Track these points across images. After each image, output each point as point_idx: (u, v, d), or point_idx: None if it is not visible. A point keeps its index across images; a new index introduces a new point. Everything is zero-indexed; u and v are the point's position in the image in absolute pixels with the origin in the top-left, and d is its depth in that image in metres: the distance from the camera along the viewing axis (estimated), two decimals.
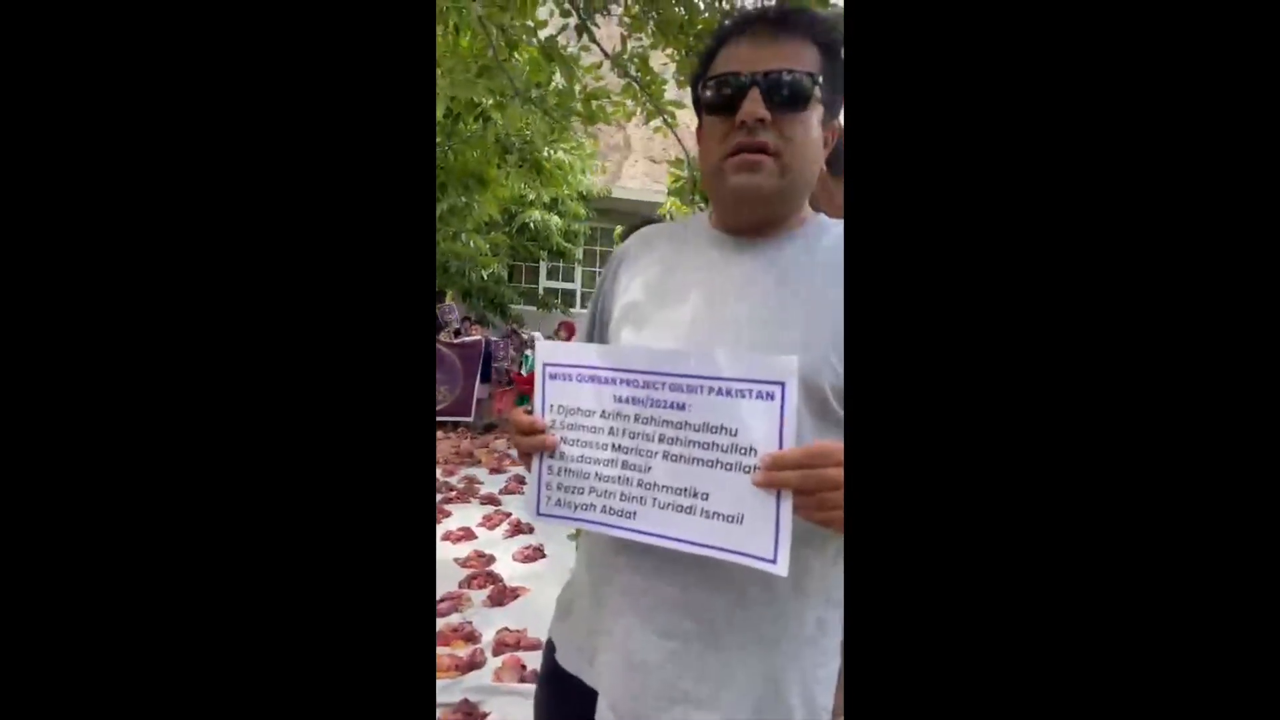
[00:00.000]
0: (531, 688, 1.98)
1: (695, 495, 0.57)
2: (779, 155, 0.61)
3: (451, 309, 6.60)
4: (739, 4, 2.16)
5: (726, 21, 0.68)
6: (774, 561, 0.54)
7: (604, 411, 0.61)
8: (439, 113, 2.69)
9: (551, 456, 0.63)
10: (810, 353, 0.58)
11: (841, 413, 0.61)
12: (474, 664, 1.88)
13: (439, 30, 2.05)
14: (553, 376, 0.64)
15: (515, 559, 2.79)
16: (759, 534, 0.54)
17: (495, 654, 1.96)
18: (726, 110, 0.61)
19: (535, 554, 2.86)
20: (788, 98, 0.60)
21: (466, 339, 6.05)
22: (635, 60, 2.19)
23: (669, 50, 2.29)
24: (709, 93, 0.63)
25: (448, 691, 1.73)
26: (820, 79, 0.61)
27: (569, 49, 1.92)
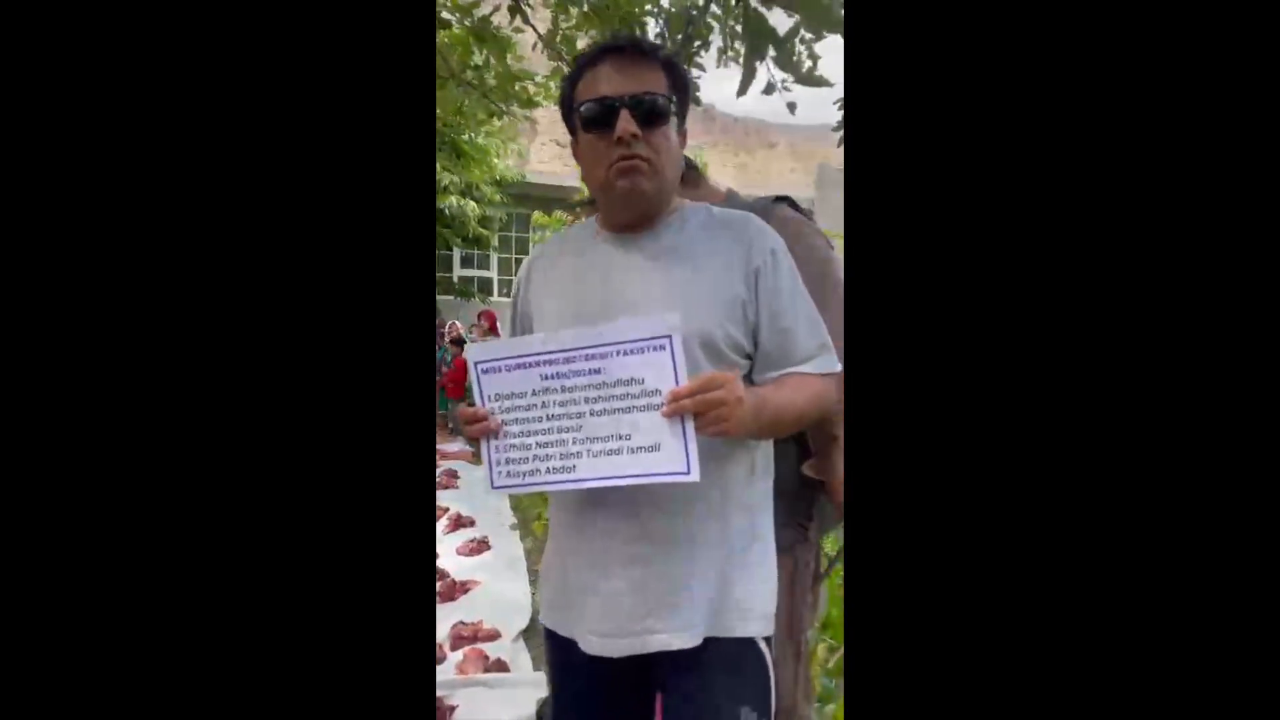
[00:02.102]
0: (495, 676, 1.97)
1: (620, 438, 0.71)
2: (651, 162, 0.75)
3: None
4: None
5: (588, 50, 0.82)
6: (688, 473, 0.68)
7: (534, 390, 0.74)
8: None
9: (497, 437, 0.76)
10: (697, 313, 0.73)
11: (736, 358, 0.77)
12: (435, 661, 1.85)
13: None
14: (485, 371, 0.76)
15: (460, 553, 2.74)
16: (674, 455, 0.68)
17: (454, 648, 1.94)
18: (603, 128, 0.75)
19: (480, 546, 2.82)
20: (652, 116, 0.75)
21: None
22: (564, 43, 2.17)
23: (593, 34, 2.28)
24: (586, 113, 0.76)
25: None
26: (673, 98, 0.77)
27: (501, 30, 1.87)
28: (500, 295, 8.81)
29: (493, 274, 9.13)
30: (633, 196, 0.77)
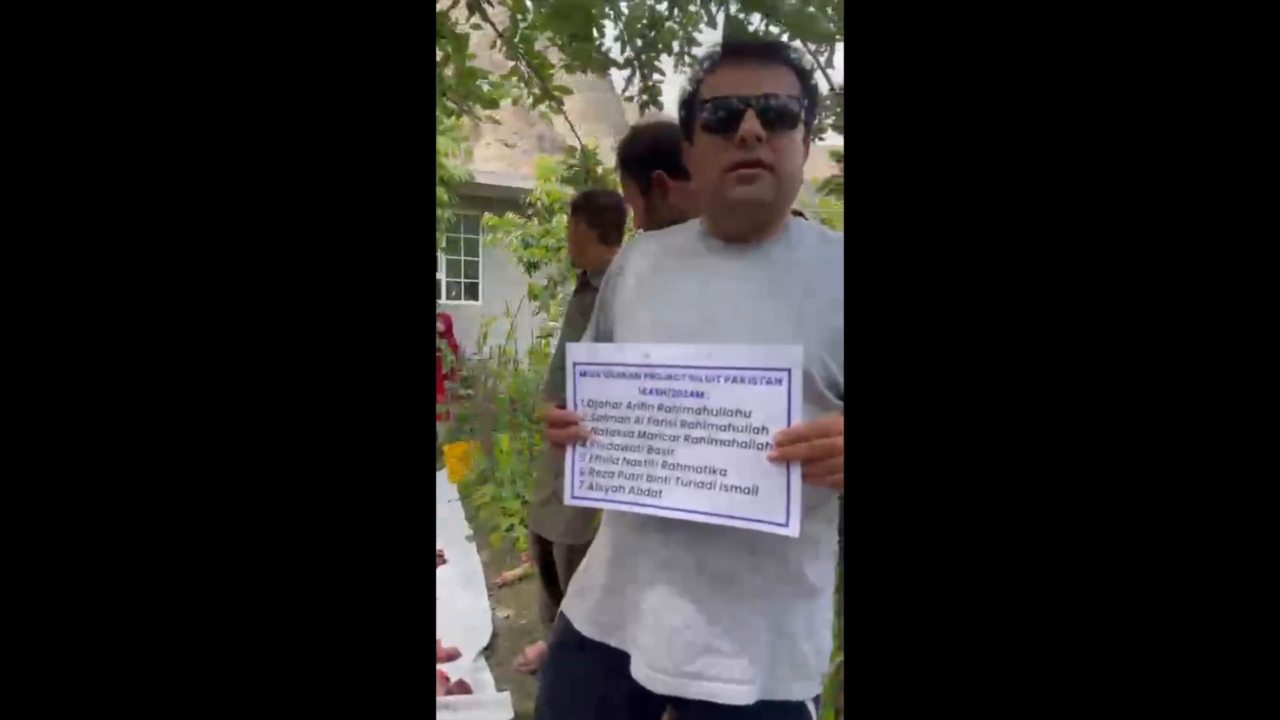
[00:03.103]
0: (458, 699, 1.89)
1: (715, 472, 0.65)
2: (774, 169, 0.70)
3: None
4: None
5: (716, 49, 0.76)
6: (786, 525, 0.62)
7: (630, 403, 0.69)
8: None
9: (584, 445, 0.72)
10: (804, 345, 0.65)
11: (832, 398, 0.70)
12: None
13: None
14: (583, 374, 0.72)
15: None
16: (773, 502, 0.62)
17: None
18: (724, 130, 0.70)
19: (436, 560, 2.72)
20: (780, 119, 0.69)
21: None
22: (522, 43, 2.12)
23: (548, 34, 2.24)
24: (707, 114, 0.71)
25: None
26: (804, 103, 0.72)
27: (459, 27, 1.81)
28: (449, 298, 8.57)
29: (441, 275, 8.89)
30: (749, 206, 0.71)
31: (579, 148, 2.36)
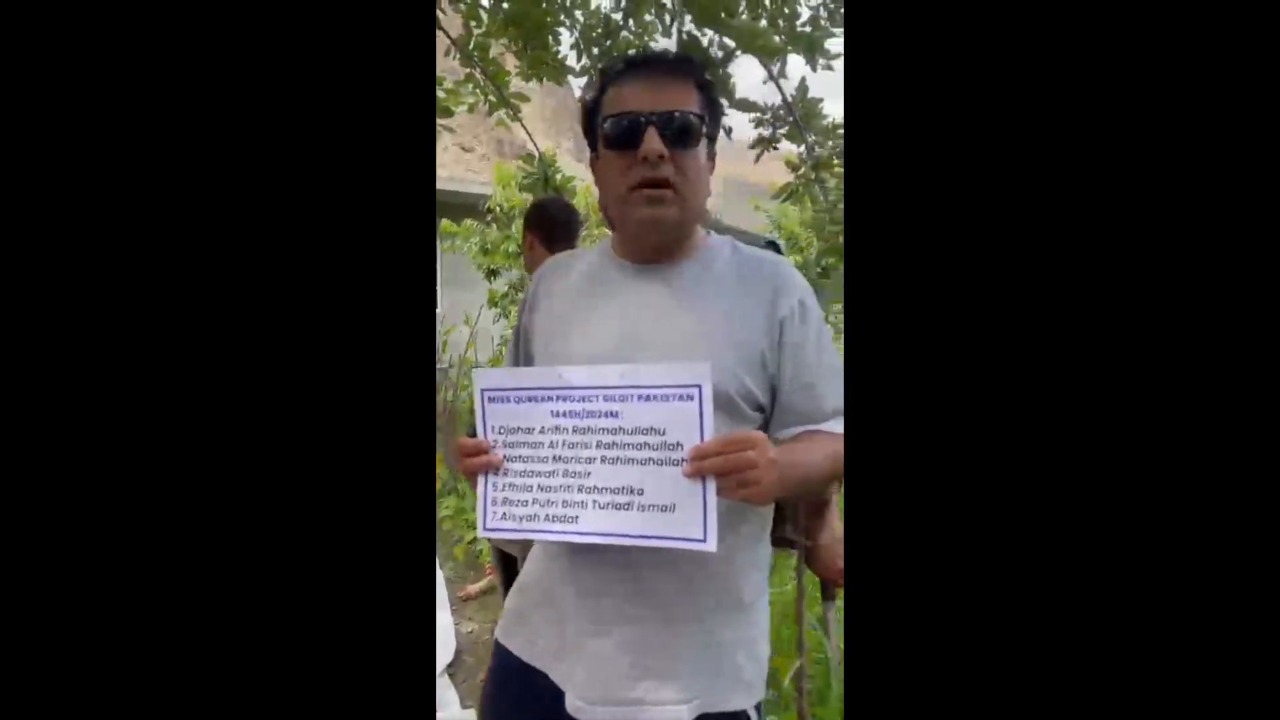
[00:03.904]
0: None
1: (632, 492, 0.64)
2: (678, 188, 0.70)
3: None
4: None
5: (618, 62, 0.76)
6: (704, 540, 0.62)
7: (543, 427, 0.68)
8: None
9: (496, 474, 0.70)
10: (715, 362, 0.65)
11: (749, 411, 0.72)
12: None
13: None
14: (492, 400, 0.70)
15: None
16: (690, 519, 0.62)
17: None
18: (626, 146, 0.69)
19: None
20: (682, 136, 0.69)
21: None
22: (477, 49, 2.10)
23: (503, 40, 2.23)
24: (608, 128, 0.70)
25: None
26: (705, 118, 0.72)
27: None
28: None
29: None
30: (655, 225, 0.71)
31: (537, 155, 2.35)
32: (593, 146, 0.76)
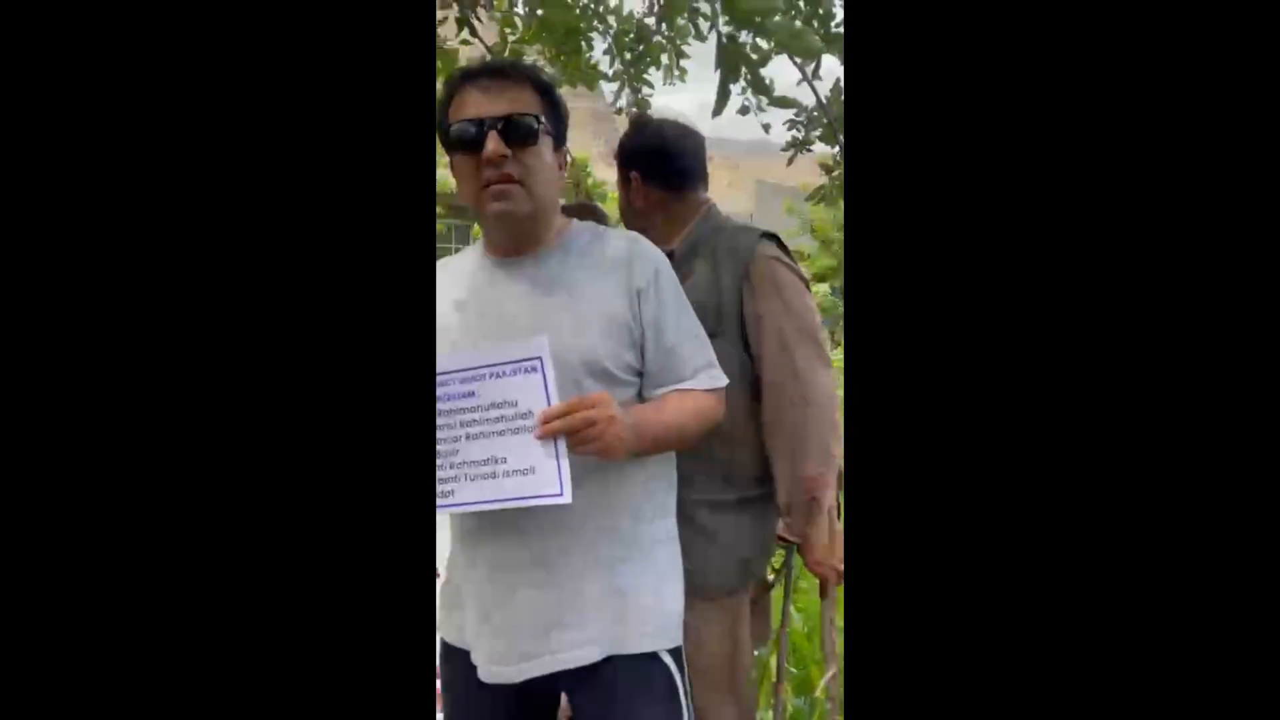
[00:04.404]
0: None
1: (496, 461, 0.72)
2: (523, 183, 0.77)
3: None
4: (612, 4, 2.19)
5: (456, 73, 0.83)
6: (561, 494, 0.69)
7: None
8: None
9: None
10: (579, 336, 0.76)
11: (622, 375, 0.79)
12: None
13: None
14: None
15: None
16: (547, 477, 0.69)
17: None
18: (472, 149, 0.77)
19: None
20: (521, 136, 0.77)
21: None
22: (512, 56, 2.13)
23: (537, 46, 2.26)
24: (454, 134, 0.78)
25: None
26: (542, 118, 0.79)
27: (448, 43, 1.82)
28: None
29: None
30: (505, 218, 0.79)
31: (569, 159, 2.37)
32: (448, 151, 0.82)
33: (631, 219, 1.19)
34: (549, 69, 2.35)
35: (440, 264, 0.91)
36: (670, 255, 1.06)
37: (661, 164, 1.12)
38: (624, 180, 1.18)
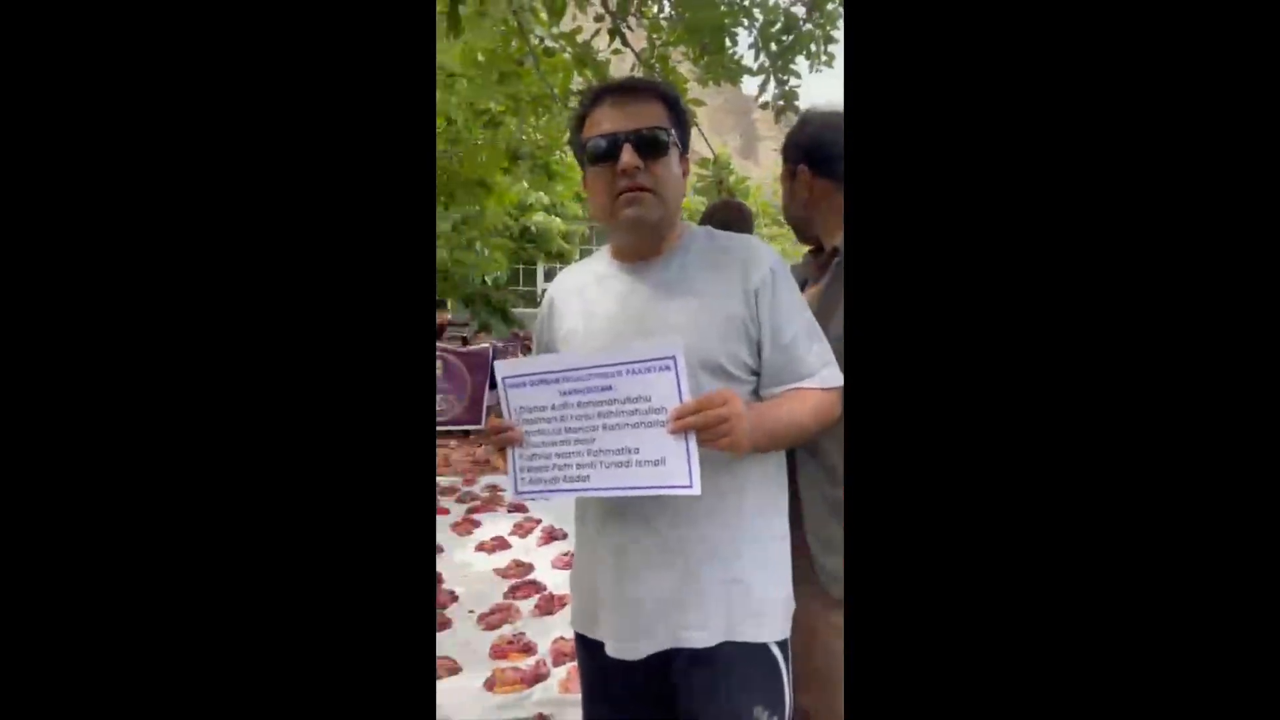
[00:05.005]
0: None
1: (629, 452, 0.77)
2: (655, 191, 0.83)
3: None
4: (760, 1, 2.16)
5: (589, 93, 0.90)
6: (691, 486, 0.73)
7: (554, 405, 0.81)
8: (459, 120, 2.66)
9: (520, 447, 0.84)
10: (700, 337, 0.80)
11: (737, 373, 0.82)
12: (539, 676, 1.87)
13: (455, 39, 2.03)
14: (512, 386, 0.84)
15: (555, 566, 2.77)
16: (678, 469, 0.74)
17: (556, 664, 1.96)
18: (608, 161, 0.83)
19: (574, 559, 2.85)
20: (653, 148, 0.82)
21: (473, 347, 6.01)
22: (659, 61, 2.18)
23: (683, 49, 2.28)
24: (590, 149, 0.84)
25: (518, 706, 1.73)
26: (671, 130, 0.84)
27: (601, 54, 1.90)
28: None
29: None
30: (637, 224, 0.84)
31: (711, 157, 2.38)
32: (583, 167, 0.89)
33: (795, 212, 1.16)
34: (693, 69, 2.37)
35: (570, 269, 1.00)
36: (836, 251, 1.02)
37: (832, 154, 1.08)
38: (789, 175, 1.15)
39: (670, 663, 0.83)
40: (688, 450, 0.73)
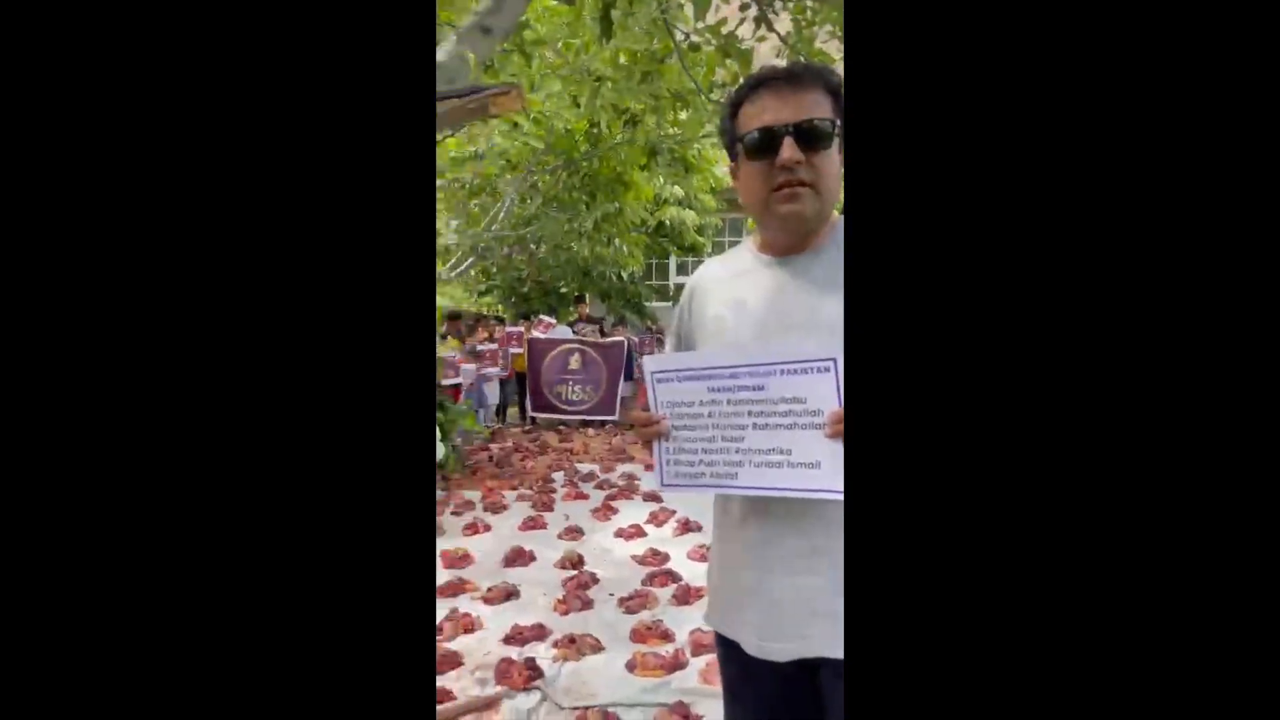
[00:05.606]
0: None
1: (781, 453, 0.76)
2: (814, 186, 0.79)
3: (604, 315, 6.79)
4: None
5: (747, 80, 0.84)
6: (843, 492, 0.70)
7: (701, 401, 0.81)
8: (602, 122, 2.76)
9: (667, 440, 0.84)
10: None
11: None
12: (678, 664, 1.90)
13: (606, 43, 2.10)
14: (660, 380, 0.84)
15: (691, 558, 2.81)
16: (833, 474, 0.72)
17: (695, 655, 1.98)
18: (767, 154, 0.79)
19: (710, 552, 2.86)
20: (815, 141, 0.78)
21: (609, 339, 6.23)
22: (803, 44, 2.10)
23: (829, 28, 2.17)
24: (749, 141, 0.80)
25: (659, 691, 1.77)
26: (835, 120, 0.79)
27: (745, 42, 1.87)
28: None
29: None
30: (795, 220, 0.81)
31: None
32: (733, 158, 0.85)
33: None
34: (840, 47, 2.25)
35: (714, 261, 0.95)
36: None
37: None
38: None
39: (816, 672, 0.81)
40: (844, 456, 0.71)
